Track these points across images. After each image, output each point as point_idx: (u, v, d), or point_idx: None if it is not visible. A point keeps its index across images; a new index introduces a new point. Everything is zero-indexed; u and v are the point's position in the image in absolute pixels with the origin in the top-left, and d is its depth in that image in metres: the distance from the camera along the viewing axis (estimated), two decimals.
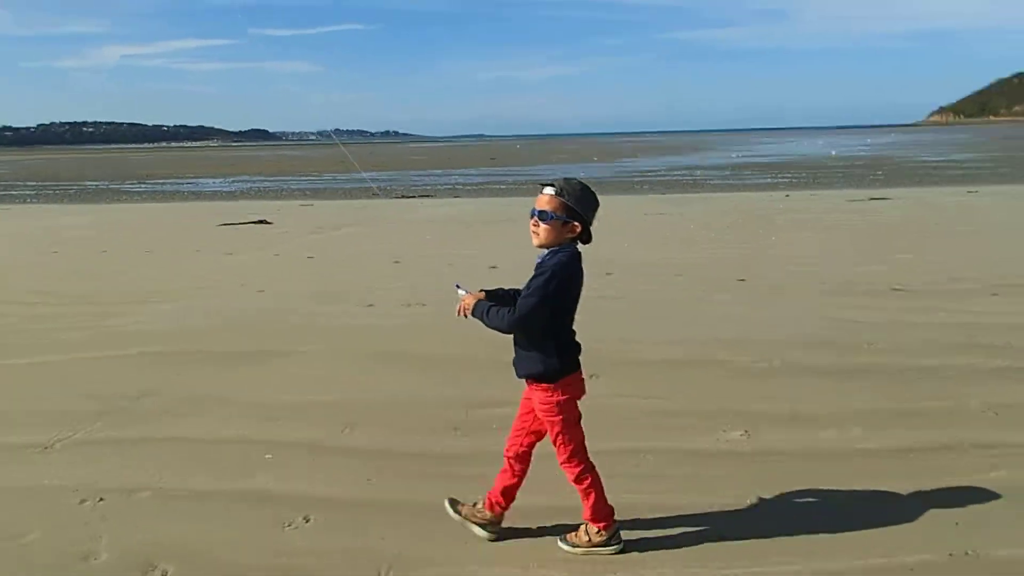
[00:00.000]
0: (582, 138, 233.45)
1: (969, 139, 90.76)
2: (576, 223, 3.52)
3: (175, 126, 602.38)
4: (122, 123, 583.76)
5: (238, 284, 11.20)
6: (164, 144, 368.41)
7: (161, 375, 6.78)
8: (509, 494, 3.88)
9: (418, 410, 5.79)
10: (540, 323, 3.50)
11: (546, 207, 3.51)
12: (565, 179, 3.58)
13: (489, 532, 3.91)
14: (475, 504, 3.96)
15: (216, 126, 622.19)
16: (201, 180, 50.86)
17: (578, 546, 3.81)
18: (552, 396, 3.60)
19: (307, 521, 4.13)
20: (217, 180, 50.77)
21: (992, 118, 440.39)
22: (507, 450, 3.87)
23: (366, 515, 4.18)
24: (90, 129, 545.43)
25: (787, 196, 25.95)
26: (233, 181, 49.14)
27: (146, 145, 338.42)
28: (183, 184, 46.76)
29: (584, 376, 3.73)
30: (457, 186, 39.67)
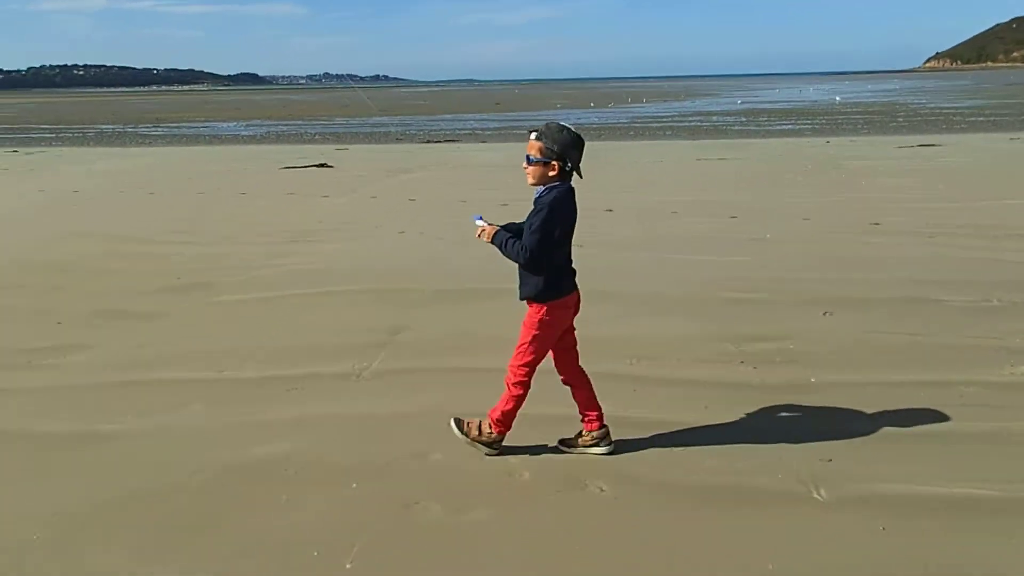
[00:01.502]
0: (571, 83, 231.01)
1: (973, 85, 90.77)
2: (555, 162, 3.90)
3: (165, 69, 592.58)
4: (112, 66, 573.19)
5: (372, 226, 11.41)
6: (155, 88, 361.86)
7: (400, 312, 7.04)
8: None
9: (695, 345, 6.05)
10: (548, 254, 3.92)
11: (530, 151, 3.94)
12: (546, 124, 3.97)
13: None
14: (579, 434, 4.35)
15: (206, 70, 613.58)
16: (215, 124, 50.38)
17: (466, 434, 4.27)
18: (537, 314, 4.04)
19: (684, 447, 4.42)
20: (231, 124, 50.27)
21: (990, 64, 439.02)
22: (561, 376, 4.30)
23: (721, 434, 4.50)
24: (80, 72, 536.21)
25: (827, 142, 26.11)
26: (247, 125, 48.67)
27: (138, 88, 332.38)
28: (199, 128, 46.33)
29: (579, 296, 4.17)
30: (477, 131, 39.46)
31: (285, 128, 44.05)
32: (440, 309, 7.18)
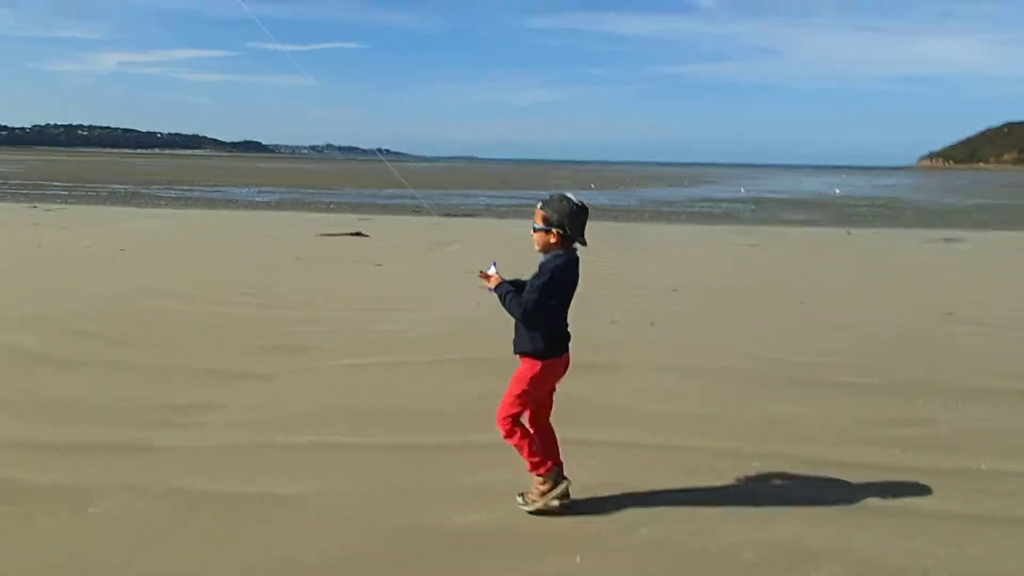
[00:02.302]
0: (572, 164, 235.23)
1: (970, 184, 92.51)
2: (555, 230, 4.15)
3: (169, 133, 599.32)
4: (116, 128, 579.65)
5: (443, 295, 11.38)
6: (158, 151, 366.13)
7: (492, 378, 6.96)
8: (533, 451, 4.34)
9: (844, 428, 6.01)
10: (542, 315, 4.14)
11: (536, 219, 4.24)
12: (551, 195, 4.25)
13: (561, 488, 4.35)
14: (535, 486, 4.37)
15: (209, 135, 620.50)
16: (227, 188, 50.81)
17: (534, 501, 4.33)
18: (531, 370, 4.24)
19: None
20: (243, 189, 50.69)
21: (982, 165, 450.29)
22: (531, 429, 4.41)
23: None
24: (84, 132, 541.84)
25: (848, 232, 26.43)
26: (259, 191, 49.08)
27: (140, 151, 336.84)
28: (213, 192, 46.69)
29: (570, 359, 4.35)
30: (492, 207, 39.91)
31: (298, 196, 44.38)
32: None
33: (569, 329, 4.37)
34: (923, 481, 4.95)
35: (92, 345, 8.00)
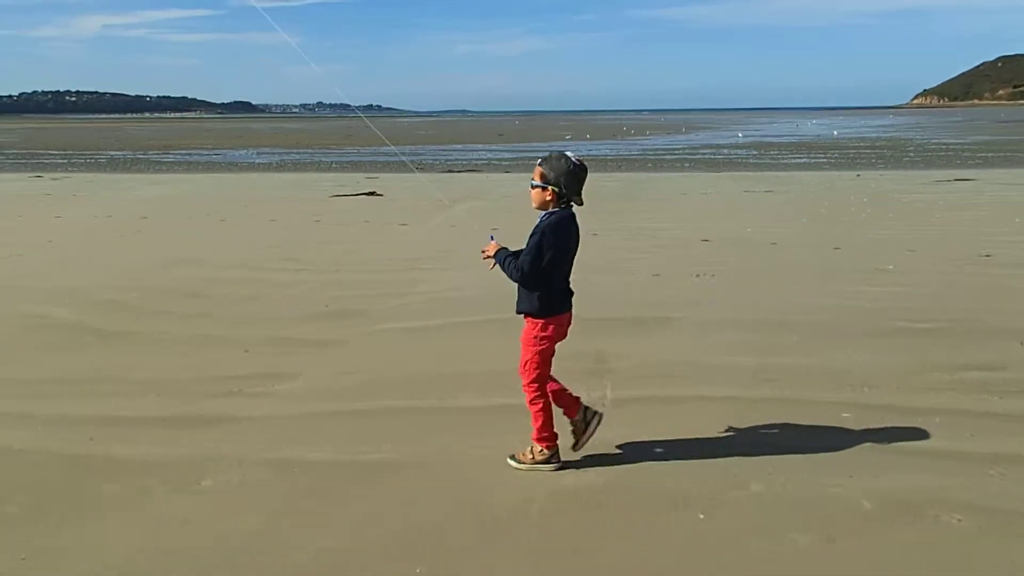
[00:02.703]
0: (565, 115, 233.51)
1: (966, 122, 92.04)
2: (551, 187, 4.19)
3: (158, 97, 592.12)
4: (104, 93, 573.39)
5: (476, 254, 11.31)
6: (148, 114, 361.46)
7: (586, 340, 6.97)
8: (565, 397, 4.61)
9: (911, 375, 6.03)
10: (538, 274, 4.19)
11: (534, 176, 4.28)
12: (551, 152, 4.28)
13: (554, 464, 4.48)
14: (531, 448, 4.51)
15: (199, 97, 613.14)
16: (225, 152, 50.28)
17: (523, 462, 4.46)
18: (534, 330, 4.34)
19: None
20: (242, 152, 50.20)
21: (976, 101, 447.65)
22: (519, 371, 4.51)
23: None
24: (72, 98, 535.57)
25: (858, 176, 26.36)
26: (258, 153, 48.62)
27: (130, 115, 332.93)
28: (211, 155, 46.19)
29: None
30: (493, 162, 39.59)
31: (299, 156, 44.03)
32: (620, 336, 7.13)
33: (572, 286, 4.45)
34: (1015, 426, 5.01)
35: (139, 317, 7.98)
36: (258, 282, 9.62)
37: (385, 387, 5.91)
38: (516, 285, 4.39)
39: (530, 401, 4.40)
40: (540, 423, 4.41)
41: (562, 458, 4.49)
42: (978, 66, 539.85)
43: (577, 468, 4.50)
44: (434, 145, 56.43)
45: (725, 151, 45.86)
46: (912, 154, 39.94)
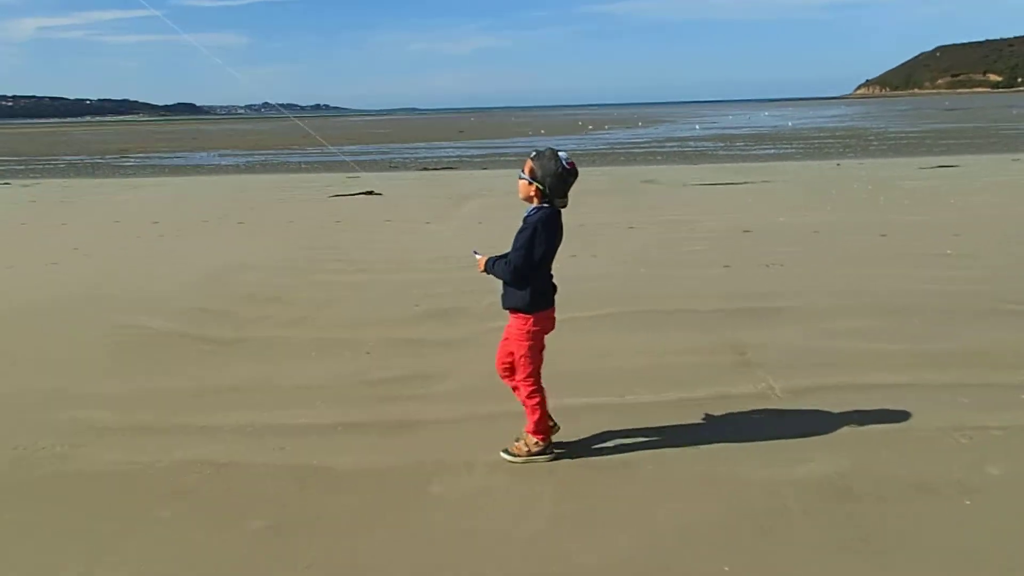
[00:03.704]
0: (517, 111, 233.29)
1: (914, 110, 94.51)
2: (535, 185, 4.26)
3: (100, 100, 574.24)
4: (43, 97, 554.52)
5: (573, 250, 11.15)
6: (90, 118, 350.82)
7: (714, 332, 7.02)
8: (542, 423, 4.62)
9: None
10: (529, 269, 4.27)
11: (524, 167, 4.33)
12: (546, 148, 4.32)
13: (548, 455, 4.62)
14: (524, 439, 4.63)
15: (142, 99, 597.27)
16: (186, 154, 49.21)
17: (518, 455, 4.57)
18: (525, 325, 4.42)
19: None
20: (203, 154, 49.25)
21: (917, 90, 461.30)
22: (499, 372, 4.68)
23: None
24: (9, 103, 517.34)
25: (838, 165, 26.87)
26: (221, 155, 47.77)
27: (71, 119, 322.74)
28: (174, 159, 45.19)
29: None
30: (464, 159, 39.42)
31: (264, 158, 43.24)
32: (743, 328, 7.14)
33: (555, 281, 4.52)
34: None
35: (240, 324, 7.75)
36: (329, 284, 9.43)
37: (548, 385, 5.80)
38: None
39: (527, 395, 4.51)
40: (538, 416, 4.53)
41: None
42: (917, 56, 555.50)
43: (807, 459, 4.48)
44: (397, 143, 56.03)
45: (691, 143, 46.33)
46: (876, 143, 40.80)
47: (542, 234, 4.25)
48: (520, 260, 4.27)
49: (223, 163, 41.13)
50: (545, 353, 6.48)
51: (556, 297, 4.52)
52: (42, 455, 4.82)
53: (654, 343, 6.76)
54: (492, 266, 4.44)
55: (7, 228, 15.37)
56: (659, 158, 35.64)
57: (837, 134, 51.15)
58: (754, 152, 37.75)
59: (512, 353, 4.54)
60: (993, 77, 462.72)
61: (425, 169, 32.42)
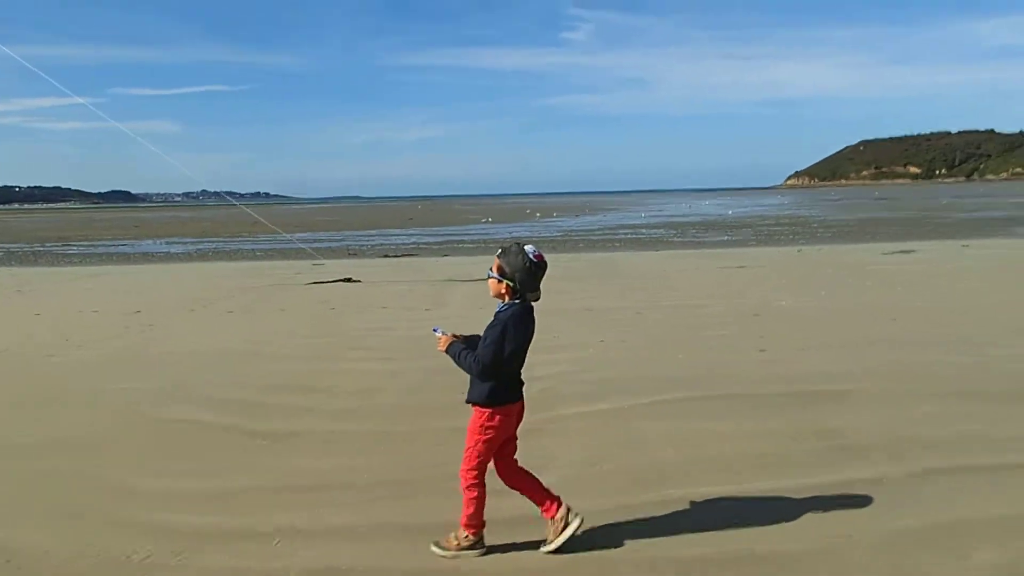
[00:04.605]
0: (464, 199, 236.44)
1: (846, 201, 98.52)
2: (505, 282, 4.21)
3: (29, 187, 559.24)
4: None
5: (568, 336, 10.99)
6: (17, 205, 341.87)
7: (798, 415, 6.86)
8: (543, 494, 4.52)
9: None
10: (499, 366, 4.19)
11: (492, 267, 4.28)
12: (512, 243, 4.31)
13: (479, 550, 4.46)
14: (457, 533, 4.50)
15: (74, 187, 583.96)
16: (132, 242, 48.09)
17: (448, 548, 4.44)
18: (482, 418, 4.31)
19: None
20: (150, 242, 48.28)
21: (843, 181, 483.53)
22: (506, 482, 4.55)
23: None
24: None
25: (799, 251, 27.48)
26: (169, 243, 46.82)
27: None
28: (120, 246, 44.01)
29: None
30: (421, 246, 39.37)
31: (215, 245, 42.49)
32: (817, 412, 7.01)
33: (523, 377, 4.42)
34: None
35: (287, 416, 7.30)
36: (359, 373, 9.04)
37: (657, 476, 5.56)
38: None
39: (467, 487, 4.36)
40: (472, 510, 4.39)
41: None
42: (842, 150, 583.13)
43: (970, 547, 4.30)
44: (348, 231, 55.85)
45: (643, 231, 47.20)
46: (822, 231, 42.02)
47: (512, 331, 4.18)
48: (489, 357, 4.16)
49: (173, 251, 40.26)
50: (636, 441, 6.31)
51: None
52: (151, 563, 4.37)
53: (735, 429, 6.56)
54: (458, 355, 4.29)
55: None
56: (618, 244, 36.13)
57: (782, 221, 52.77)
58: (707, 239, 38.52)
59: (507, 450, 4.46)
60: (912, 169, 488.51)
61: (387, 256, 32.27)
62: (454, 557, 4.37)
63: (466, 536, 4.40)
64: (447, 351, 4.33)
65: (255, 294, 17.42)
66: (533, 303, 4.30)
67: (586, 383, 8.27)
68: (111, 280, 22.40)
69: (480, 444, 4.30)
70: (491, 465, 4.45)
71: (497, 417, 4.29)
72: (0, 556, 4.44)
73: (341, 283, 19.96)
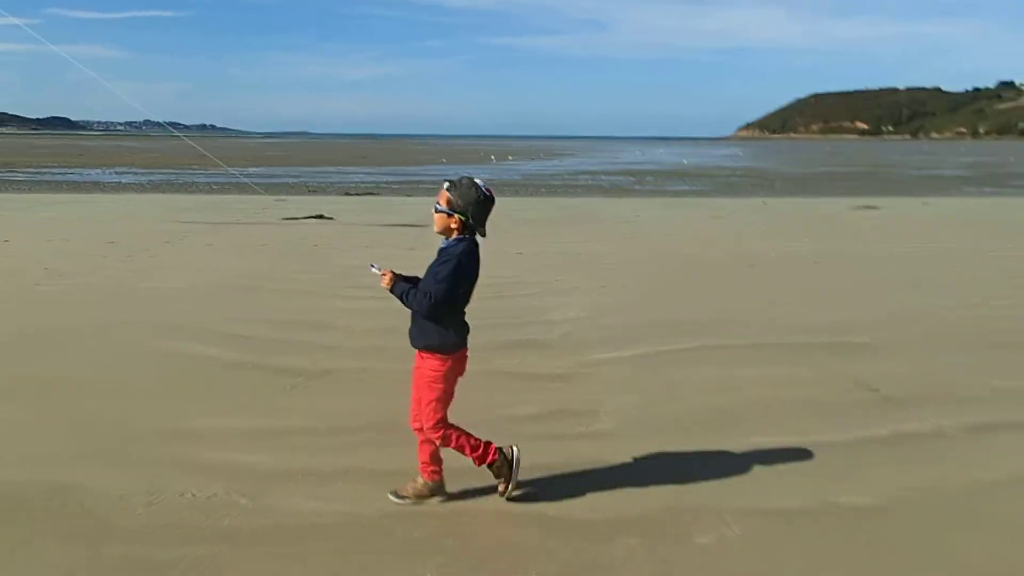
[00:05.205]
0: (415, 139, 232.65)
1: (796, 154, 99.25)
2: (457, 215, 3.96)
3: None
4: None
5: (569, 280, 10.92)
6: None
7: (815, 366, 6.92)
8: (436, 457, 4.27)
9: None
10: (451, 303, 3.98)
11: (439, 199, 4.01)
12: (460, 177, 4.06)
13: (440, 497, 4.28)
14: (415, 481, 4.31)
15: (11, 112, 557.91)
16: (78, 170, 46.36)
17: (406, 496, 4.24)
18: (442, 366, 4.04)
19: None
20: (97, 171, 46.66)
21: (793, 134, 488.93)
22: (412, 422, 4.24)
23: None
24: None
25: (764, 203, 27.65)
26: (118, 173, 45.24)
27: None
28: (68, 175, 42.36)
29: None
30: (382, 185, 38.72)
31: (167, 177, 41.07)
32: (849, 361, 7.06)
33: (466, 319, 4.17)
34: None
35: (311, 352, 7.13)
36: (369, 312, 8.76)
37: (714, 422, 5.53)
38: (412, 320, 4.10)
39: (443, 442, 4.13)
40: (468, 449, 4.15)
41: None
42: (792, 103, 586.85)
43: None
44: (302, 167, 54.54)
45: (603, 177, 47.06)
46: (780, 183, 42.24)
47: (465, 267, 3.95)
48: (441, 294, 3.89)
49: (125, 181, 38.95)
50: (679, 387, 6.27)
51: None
52: (218, 503, 4.20)
53: (774, 377, 6.55)
54: (405, 295, 3.99)
55: None
56: (580, 191, 35.91)
57: (738, 173, 53.20)
58: (668, 188, 38.55)
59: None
60: (860, 124, 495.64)
61: (347, 194, 31.65)
62: (415, 503, 4.19)
63: (424, 483, 4.23)
64: (392, 290, 4.03)
65: (229, 229, 16.93)
66: (479, 240, 4.05)
67: (605, 328, 8.21)
68: (70, 209, 21.59)
69: (441, 395, 4.05)
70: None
71: (451, 363, 4.04)
72: (72, 501, 4.21)
73: (314, 220, 19.52)
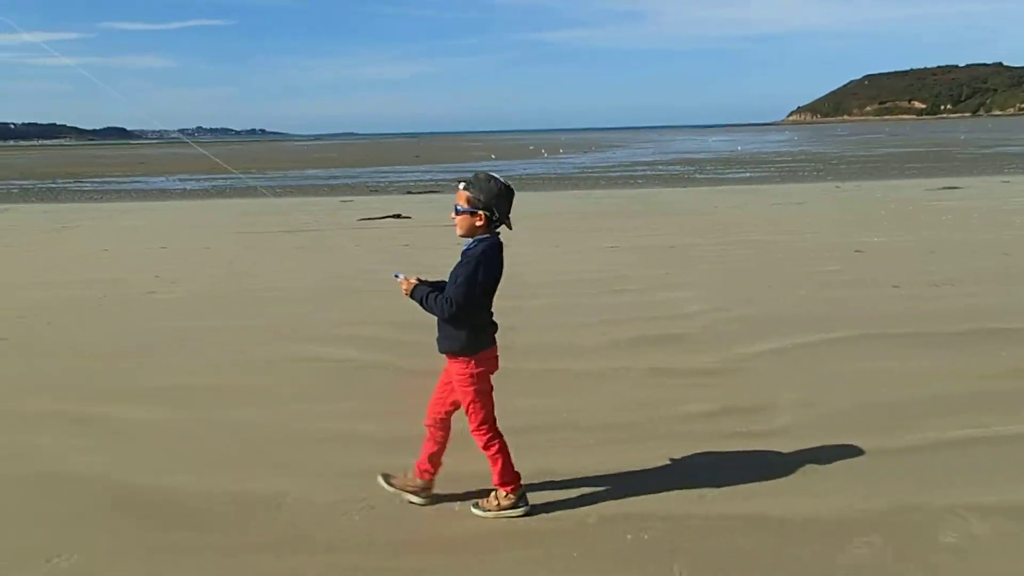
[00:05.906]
0: (460, 136, 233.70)
1: (853, 137, 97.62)
2: (481, 212, 3.85)
3: (24, 124, 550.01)
4: None
5: (661, 274, 10.80)
6: (13, 142, 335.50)
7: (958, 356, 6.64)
8: (435, 460, 4.23)
9: None
10: (470, 307, 3.84)
11: (459, 200, 3.89)
12: (475, 174, 3.95)
13: (422, 499, 4.23)
14: (406, 474, 4.29)
15: (69, 124, 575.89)
16: (142, 179, 47.39)
17: (489, 510, 4.14)
18: (467, 368, 3.96)
19: None
20: (160, 179, 47.65)
21: (847, 117, 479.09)
22: (426, 419, 4.22)
23: None
24: None
25: (838, 187, 27.01)
26: (181, 180, 46.13)
27: None
28: (134, 183, 43.36)
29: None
30: (440, 183, 38.76)
31: (225, 183, 41.68)
32: (992, 350, 6.79)
33: (495, 319, 4.08)
34: None
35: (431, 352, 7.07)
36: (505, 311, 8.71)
37: (890, 418, 5.31)
38: (437, 324, 4.03)
39: (484, 446, 4.07)
40: (499, 466, 4.08)
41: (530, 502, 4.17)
42: (845, 84, 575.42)
43: None
44: (358, 168, 55.03)
45: (660, 167, 46.66)
46: (844, 167, 41.47)
47: (485, 267, 3.84)
48: (461, 296, 3.80)
49: (189, 187, 39.73)
50: (837, 380, 6.07)
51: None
52: (428, 509, 4.20)
53: (935, 369, 6.31)
54: (425, 298, 3.90)
55: (50, 253, 14.20)
56: (640, 182, 35.49)
57: (799, 158, 52.26)
58: (730, 176, 38.04)
59: (452, 403, 4.12)
60: (918, 104, 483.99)
61: (409, 192, 31.80)
62: (496, 518, 4.10)
63: (505, 495, 4.12)
64: (412, 295, 3.93)
65: (314, 231, 17.05)
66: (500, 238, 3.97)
67: (740, 320, 8.03)
68: (149, 216, 21.96)
69: (477, 396, 3.99)
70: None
71: (483, 363, 3.98)
72: (266, 507, 4.20)
73: (391, 219, 19.57)
